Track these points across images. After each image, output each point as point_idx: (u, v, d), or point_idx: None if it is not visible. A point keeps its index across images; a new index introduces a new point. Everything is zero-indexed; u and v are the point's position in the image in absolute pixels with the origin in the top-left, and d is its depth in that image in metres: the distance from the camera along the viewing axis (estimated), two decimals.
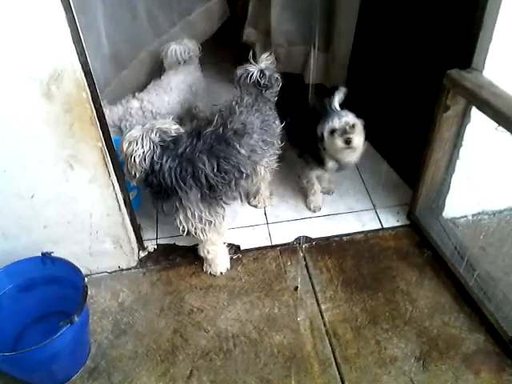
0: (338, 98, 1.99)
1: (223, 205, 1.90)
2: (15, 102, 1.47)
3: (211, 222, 1.86)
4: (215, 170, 1.77)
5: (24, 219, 1.77)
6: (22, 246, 1.80)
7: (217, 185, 1.79)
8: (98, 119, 1.62)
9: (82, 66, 1.49)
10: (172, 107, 2.43)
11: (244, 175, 1.87)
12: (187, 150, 1.75)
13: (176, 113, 2.46)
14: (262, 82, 1.98)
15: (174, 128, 1.79)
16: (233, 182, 1.84)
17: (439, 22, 1.97)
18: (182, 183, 1.74)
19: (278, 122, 2.05)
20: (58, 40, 1.39)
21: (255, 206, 2.33)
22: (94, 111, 1.59)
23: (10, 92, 1.45)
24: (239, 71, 2.00)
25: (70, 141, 1.60)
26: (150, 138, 1.72)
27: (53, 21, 1.36)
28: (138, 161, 1.72)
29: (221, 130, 1.81)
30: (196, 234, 1.88)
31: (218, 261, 2.01)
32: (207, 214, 1.84)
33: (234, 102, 1.94)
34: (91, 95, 1.56)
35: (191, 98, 2.56)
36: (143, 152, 1.71)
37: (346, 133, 1.91)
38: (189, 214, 1.80)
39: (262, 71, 1.98)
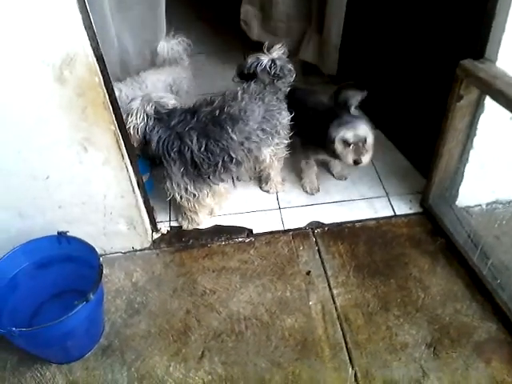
0: (356, 102, 2.01)
1: (210, 183, 1.99)
2: (29, 86, 1.49)
3: (195, 195, 1.99)
4: (202, 149, 1.85)
5: (39, 200, 1.79)
6: (39, 226, 1.82)
7: (202, 164, 1.88)
8: (111, 103, 1.63)
9: (94, 50, 1.50)
10: None
11: (234, 160, 1.93)
12: (179, 124, 1.86)
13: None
14: (273, 72, 1.98)
15: (171, 102, 1.93)
16: (220, 164, 1.92)
17: (452, 11, 1.94)
18: (167, 155, 1.86)
19: (285, 112, 2.05)
20: (69, 25, 1.40)
21: (267, 191, 2.33)
22: (107, 96, 1.60)
23: (23, 76, 1.46)
24: (250, 60, 1.99)
25: (84, 124, 1.61)
26: (144, 111, 1.86)
27: (64, 6, 1.36)
28: (133, 132, 1.87)
29: (217, 112, 1.86)
30: (182, 200, 2.01)
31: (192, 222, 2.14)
32: (191, 187, 1.95)
33: (239, 88, 1.95)
34: (103, 79, 1.57)
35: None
36: (137, 123, 1.86)
37: (358, 150, 1.95)
38: (174, 184, 1.94)
39: (273, 61, 1.97)
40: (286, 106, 2.07)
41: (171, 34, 2.45)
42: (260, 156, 2.08)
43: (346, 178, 2.37)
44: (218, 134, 1.85)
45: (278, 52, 2.00)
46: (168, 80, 2.51)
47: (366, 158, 1.98)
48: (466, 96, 1.77)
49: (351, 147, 1.96)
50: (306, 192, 2.31)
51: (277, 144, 2.09)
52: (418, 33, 2.14)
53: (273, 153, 2.11)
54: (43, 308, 1.80)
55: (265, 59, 1.97)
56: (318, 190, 2.31)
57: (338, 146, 1.97)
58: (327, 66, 2.87)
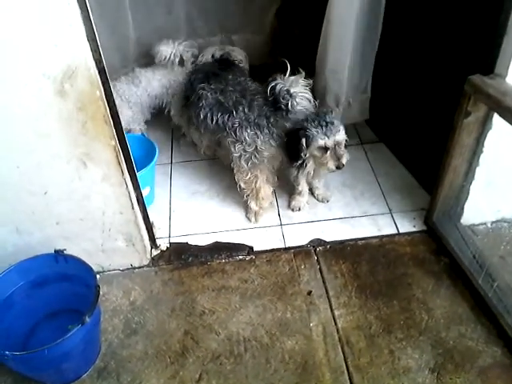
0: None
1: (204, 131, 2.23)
2: (28, 99, 1.46)
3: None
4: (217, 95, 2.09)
5: (37, 215, 1.76)
6: (36, 242, 1.80)
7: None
8: (112, 117, 1.60)
9: (96, 63, 1.47)
10: (141, 98, 2.57)
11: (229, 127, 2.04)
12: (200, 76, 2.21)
13: (148, 103, 2.62)
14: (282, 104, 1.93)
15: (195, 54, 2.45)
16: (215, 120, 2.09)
17: (462, 26, 1.91)
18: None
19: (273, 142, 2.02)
20: (72, 38, 1.37)
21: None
22: (108, 109, 1.57)
23: (23, 89, 1.43)
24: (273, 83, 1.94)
25: (83, 139, 1.58)
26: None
27: (68, 19, 1.33)
28: None
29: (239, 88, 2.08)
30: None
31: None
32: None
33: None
34: (105, 93, 1.53)
35: (165, 97, 2.60)
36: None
37: (337, 155, 1.89)
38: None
39: (288, 91, 1.91)
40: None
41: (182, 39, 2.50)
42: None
43: (327, 201, 2.31)
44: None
45: (301, 83, 1.93)
46: (163, 81, 2.55)
47: (345, 161, 1.92)
48: (474, 112, 1.73)
49: (330, 151, 1.90)
50: (289, 207, 2.29)
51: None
52: (427, 46, 2.11)
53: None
54: (39, 327, 1.77)
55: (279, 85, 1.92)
56: (299, 210, 2.27)
57: (317, 152, 1.91)
58: None
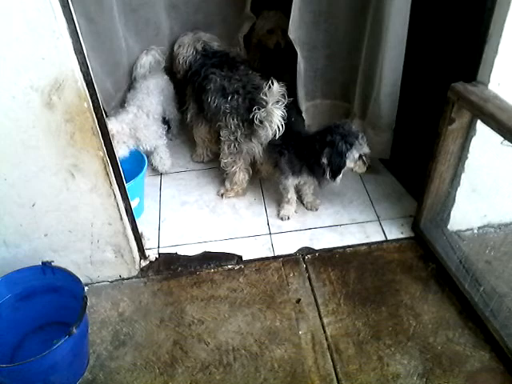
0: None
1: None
2: (16, 111, 1.47)
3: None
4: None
5: (25, 227, 1.76)
6: (23, 254, 1.80)
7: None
8: (100, 129, 1.61)
9: (84, 75, 1.48)
10: (156, 107, 2.48)
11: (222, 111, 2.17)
12: (215, 62, 2.32)
13: (159, 112, 2.51)
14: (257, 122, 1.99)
15: (216, 44, 2.46)
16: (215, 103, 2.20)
17: (444, 35, 1.95)
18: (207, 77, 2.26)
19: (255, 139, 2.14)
20: (59, 51, 1.38)
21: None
22: (96, 121, 1.58)
23: (10, 101, 1.44)
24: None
25: (71, 150, 1.59)
26: (194, 47, 2.40)
27: (55, 32, 1.35)
28: (181, 61, 2.43)
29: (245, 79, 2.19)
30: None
31: None
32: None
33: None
34: (93, 105, 1.55)
35: (163, 100, 2.59)
36: (186, 55, 2.40)
37: (364, 160, 2.05)
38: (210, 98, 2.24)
39: (269, 113, 1.94)
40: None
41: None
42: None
43: (316, 209, 2.33)
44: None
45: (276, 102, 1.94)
46: (159, 84, 2.54)
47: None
48: (458, 119, 1.76)
49: (360, 160, 2.04)
50: (278, 216, 2.30)
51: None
52: (412, 55, 2.14)
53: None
54: (26, 340, 1.75)
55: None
56: (288, 219, 2.29)
57: (351, 164, 2.04)
58: None
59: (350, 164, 2.03)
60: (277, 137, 2.00)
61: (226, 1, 2.61)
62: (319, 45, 2.28)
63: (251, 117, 2.00)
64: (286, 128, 2.00)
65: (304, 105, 2.41)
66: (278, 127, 1.96)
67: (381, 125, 2.30)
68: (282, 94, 1.92)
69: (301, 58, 2.25)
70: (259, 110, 1.96)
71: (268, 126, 1.96)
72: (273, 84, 1.88)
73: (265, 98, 1.92)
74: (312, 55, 2.30)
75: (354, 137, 1.99)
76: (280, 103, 1.92)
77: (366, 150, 2.03)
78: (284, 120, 1.96)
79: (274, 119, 1.93)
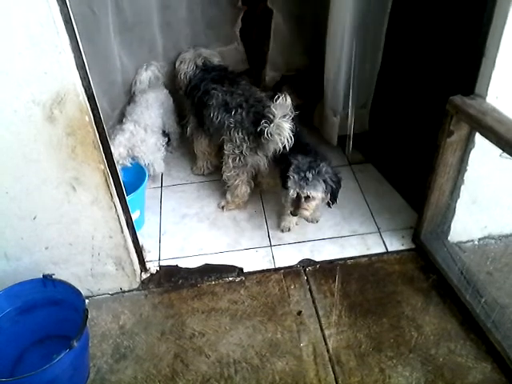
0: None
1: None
2: (18, 125, 1.48)
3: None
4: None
5: (26, 240, 1.76)
6: (24, 267, 1.80)
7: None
8: (101, 142, 1.62)
9: (85, 90, 1.50)
10: (155, 120, 2.51)
11: (226, 126, 2.18)
12: (214, 76, 2.37)
13: (158, 125, 2.54)
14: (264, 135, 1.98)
15: (216, 59, 2.54)
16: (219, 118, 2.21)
17: (442, 49, 1.98)
18: (206, 92, 2.30)
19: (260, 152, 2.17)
20: (61, 65, 1.40)
21: None
22: (97, 134, 1.59)
23: (12, 115, 1.46)
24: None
25: (73, 163, 1.60)
26: (195, 62, 2.46)
27: (57, 47, 1.37)
28: (182, 77, 2.48)
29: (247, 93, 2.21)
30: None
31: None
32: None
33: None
34: (94, 119, 1.57)
35: (163, 114, 2.62)
36: (187, 71, 2.46)
37: (298, 203, 2.01)
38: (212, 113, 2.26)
39: (278, 126, 1.95)
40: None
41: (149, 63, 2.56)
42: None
43: (317, 221, 2.34)
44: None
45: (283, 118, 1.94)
46: (159, 98, 2.58)
47: (304, 213, 2.06)
48: (457, 132, 1.78)
49: (294, 201, 2.02)
50: (279, 228, 2.30)
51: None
52: (410, 68, 2.17)
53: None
54: (27, 354, 1.74)
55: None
56: (289, 230, 2.29)
57: (285, 196, 2.05)
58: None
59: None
60: (287, 148, 2.01)
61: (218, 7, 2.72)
62: None
63: (258, 130, 2.01)
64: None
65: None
66: (287, 139, 1.98)
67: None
68: (290, 108, 1.93)
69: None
70: (267, 123, 1.96)
71: (278, 139, 1.97)
72: (281, 98, 1.90)
73: (273, 111, 1.93)
74: None
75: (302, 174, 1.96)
76: (287, 117, 1.93)
77: (305, 192, 1.98)
78: (292, 132, 1.97)
79: (284, 132, 1.95)
